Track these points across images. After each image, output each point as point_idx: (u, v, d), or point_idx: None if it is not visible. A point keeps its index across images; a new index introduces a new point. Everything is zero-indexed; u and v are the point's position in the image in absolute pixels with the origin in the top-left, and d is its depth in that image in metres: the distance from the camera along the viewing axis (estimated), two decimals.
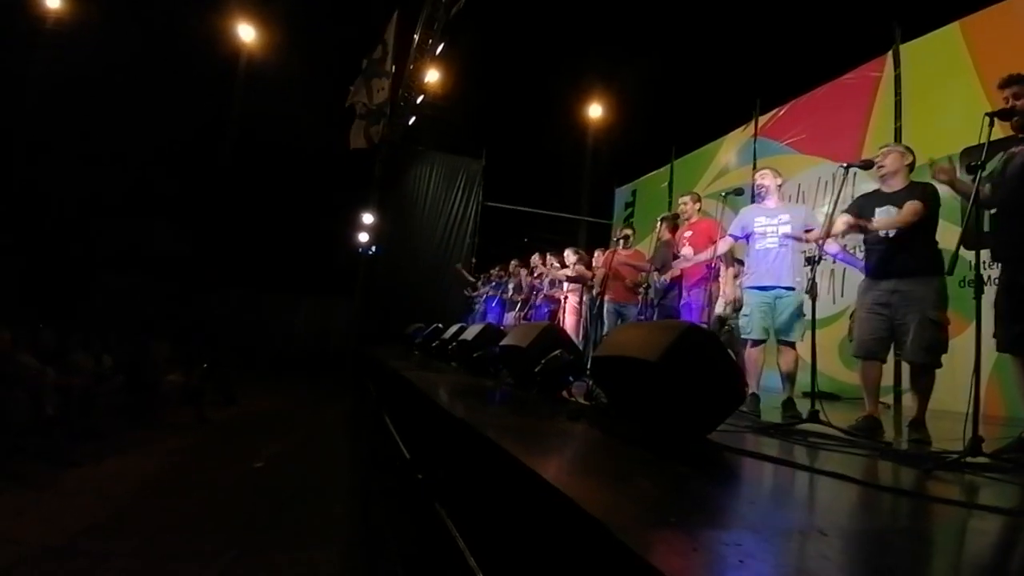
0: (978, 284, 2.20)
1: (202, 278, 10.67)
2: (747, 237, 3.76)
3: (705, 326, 4.21)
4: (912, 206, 2.74)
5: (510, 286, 8.22)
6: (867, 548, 1.09)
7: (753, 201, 4.16)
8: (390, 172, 10.58)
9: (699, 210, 4.79)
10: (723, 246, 3.98)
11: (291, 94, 11.09)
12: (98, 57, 9.74)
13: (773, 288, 3.55)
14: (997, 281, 2.47)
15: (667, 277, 4.74)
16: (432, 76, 9.41)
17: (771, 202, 3.75)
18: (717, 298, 4.63)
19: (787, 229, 3.57)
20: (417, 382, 3.28)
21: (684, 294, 4.67)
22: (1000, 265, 2.48)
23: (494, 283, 8.86)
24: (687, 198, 4.85)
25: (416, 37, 8.64)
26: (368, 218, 10.89)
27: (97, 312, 9.15)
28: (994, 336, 2.40)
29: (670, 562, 0.87)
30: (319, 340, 11.08)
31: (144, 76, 10.21)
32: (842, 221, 3.04)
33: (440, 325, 6.94)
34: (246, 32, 10.61)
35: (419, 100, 9.73)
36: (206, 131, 11.19)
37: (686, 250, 4.58)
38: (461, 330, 5.70)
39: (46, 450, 4.32)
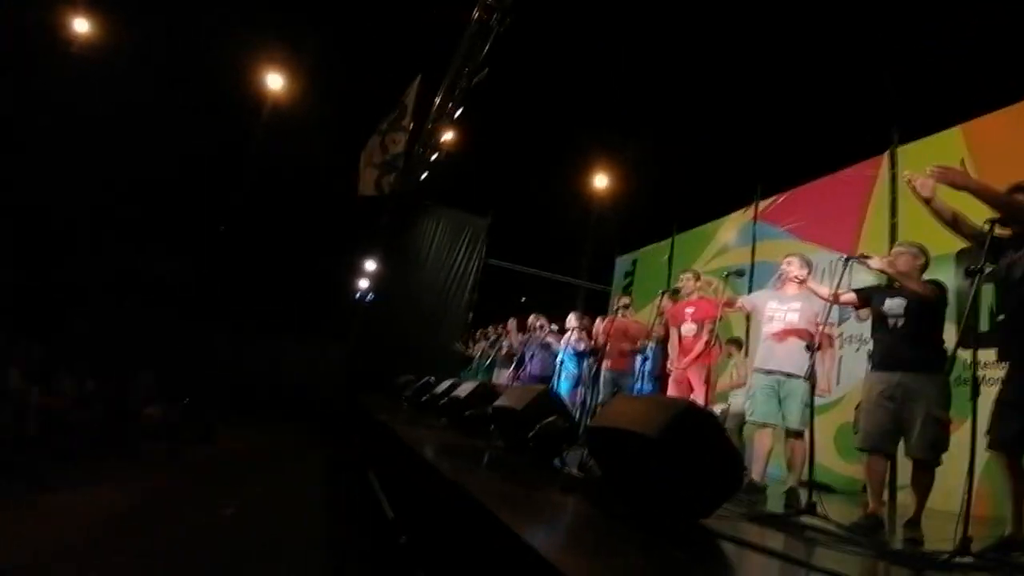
0: (974, 384, 2.22)
1: (197, 310, 10.61)
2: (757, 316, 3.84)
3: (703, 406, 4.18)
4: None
5: (505, 344, 8.19)
6: None
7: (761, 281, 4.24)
8: (396, 222, 10.78)
9: (699, 288, 4.87)
10: (747, 303, 4.08)
11: (309, 140, 11.49)
12: (122, 83, 10.11)
13: (777, 373, 3.56)
14: (1001, 380, 2.43)
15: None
16: (448, 136, 9.80)
17: (789, 289, 3.78)
18: (716, 378, 4.64)
19: (795, 317, 3.60)
20: (405, 437, 3.21)
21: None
22: (1008, 365, 2.44)
23: (491, 340, 8.83)
24: (689, 275, 4.93)
25: (437, 100, 9.07)
26: (370, 265, 10.99)
27: (87, 335, 9.02)
28: (987, 434, 2.36)
29: None
30: (308, 383, 10.86)
31: (169, 108, 10.59)
32: (847, 298, 3.14)
33: (432, 379, 6.85)
34: (274, 80, 11.10)
35: (433, 157, 10.07)
36: (222, 168, 11.49)
37: (688, 325, 4.62)
38: (453, 386, 5.62)
39: (25, 470, 4.18)
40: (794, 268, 3.71)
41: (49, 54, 10.24)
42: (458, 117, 9.11)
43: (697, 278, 4.91)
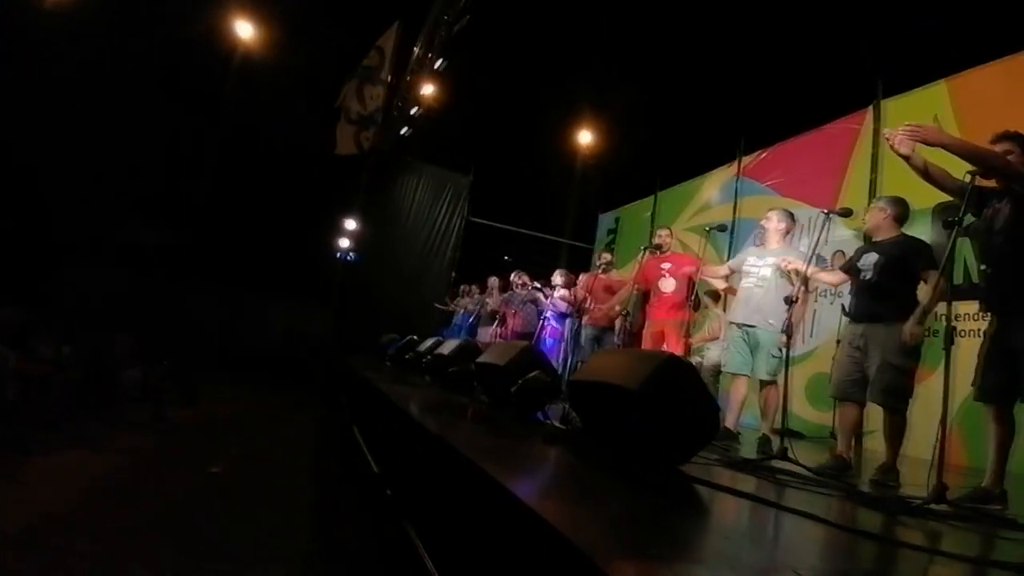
0: (948, 336, 2.27)
1: (177, 273, 10.39)
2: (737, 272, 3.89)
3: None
4: (838, 276, 2.95)
5: (488, 302, 8.21)
6: None
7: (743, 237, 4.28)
8: (377, 180, 10.52)
9: (675, 244, 4.92)
10: (720, 271, 4.13)
11: (284, 94, 11.02)
12: (89, 44, 9.53)
13: (752, 326, 3.64)
14: (985, 332, 2.48)
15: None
16: (428, 89, 9.46)
17: (771, 244, 3.83)
18: (692, 331, 4.72)
19: (768, 272, 3.66)
20: (391, 395, 3.23)
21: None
22: (990, 316, 2.49)
23: (474, 298, 8.84)
24: (666, 231, 4.98)
25: (416, 50, 8.71)
26: (351, 224, 10.76)
27: (64, 298, 8.80)
28: (973, 385, 2.42)
29: None
30: (292, 344, 10.83)
31: (136, 66, 10.03)
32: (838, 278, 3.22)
33: (415, 337, 6.86)
34: (244, 29, 10.52)
35: (413, 112, 9.75)
36: (195, 125, 11.00)
37: (666, 281, 4.66)
38: (437, 344, 5.64)
39: (7, 436, 4.12)
40: (771, 223, 3.77)
41: (13, 10, 9.54)
42: (439, 70, 8.79)
43: (671, 235, 4.96)
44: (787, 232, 3.79)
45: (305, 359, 10.41)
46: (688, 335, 4.62)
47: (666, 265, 4.71)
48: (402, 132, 10.26)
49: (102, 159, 9.94)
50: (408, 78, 9.31)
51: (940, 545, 1.59)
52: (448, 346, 5.17)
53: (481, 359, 4.19)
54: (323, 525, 3.63)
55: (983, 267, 2.51)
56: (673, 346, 4.39)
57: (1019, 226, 2.32)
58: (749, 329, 3.65)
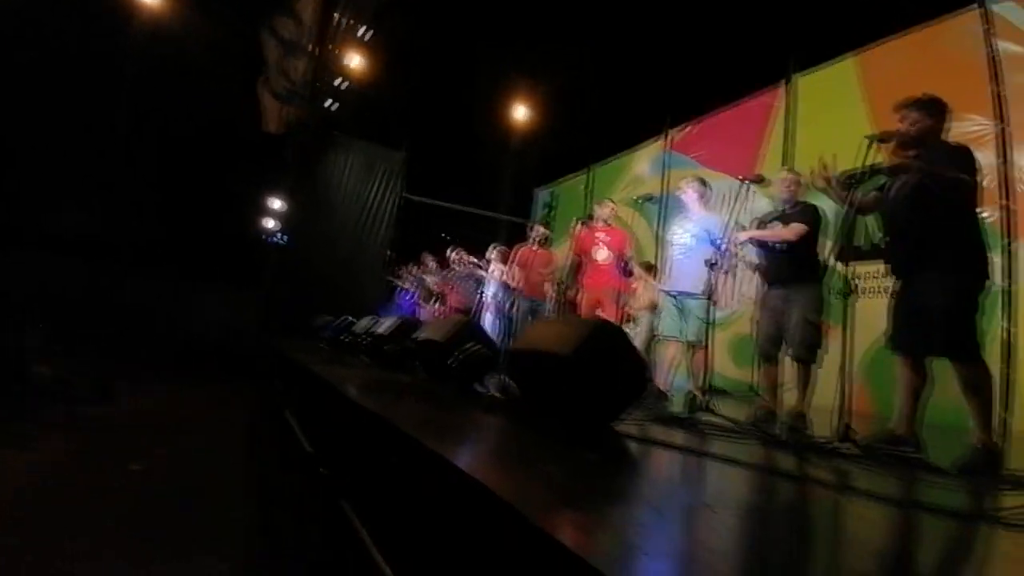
0: (847, 292, 2.48)
1: (88, 261, 9.50)
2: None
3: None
4: (797, 228, 3.06)
5: (426, 279, 8.12)
6: (749, 520, 1.20)
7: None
8: (303, 157, 9.98)
9: (616, 217, 5.01)
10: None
11: (199, 66, 10.16)
12: None
13: (681, 293, 3.81)
14: (895, 293, 2.63)
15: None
16: (355, 61, 9.02)
17: (690, 213, 4.01)
18: (629, 300, 4.87)
19: (691, 239, 3.84)
20: (323, 375, 3.15)
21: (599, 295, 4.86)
22: (898, 280, 2.64)
23: (411, 277, 8.72)
24: (611, 205, 5.06)
25: (338, 16, 8.26)
26: (277, 204, 10.17)
27: None
28: (886, 335, 2.61)
29: (577, 538, 0.90)
30: (222, 333, 10.23)
31: (38, 44, 8.91)
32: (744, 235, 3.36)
33: (350, 318, 6.69)
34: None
35: (339, 84, 9.28)
36: (105, 102, 9.94)
37: (602, 252, 4.77)
38: (374, 323, 5.53)
39: None
40: (687, 192, 3.97)
41: None
42: (365, 39, 8.40)
43: (615, 209, 5.06)
44: (701, 197, 3.99)
45: (234, 346, 9.90)
46: (624, 304, 4.78)
47: (601, 235, 4.82)
48: (328, 106, 9.75)
49: (5, 143, 8.85)
50: (332, 48, 8.83)
51: (848, 482, 1.75)
52: (385, 325, 5.08)
53: (419, 336, 4.16)
54: (261, 511, 3.53)
55: (885, 236, 2.67)
56: (609, 314, 4.53)
57: (915, 198, 2.50)
58: (678, 296, 3.83)
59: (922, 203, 2.40)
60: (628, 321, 5.38)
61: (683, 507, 1.24)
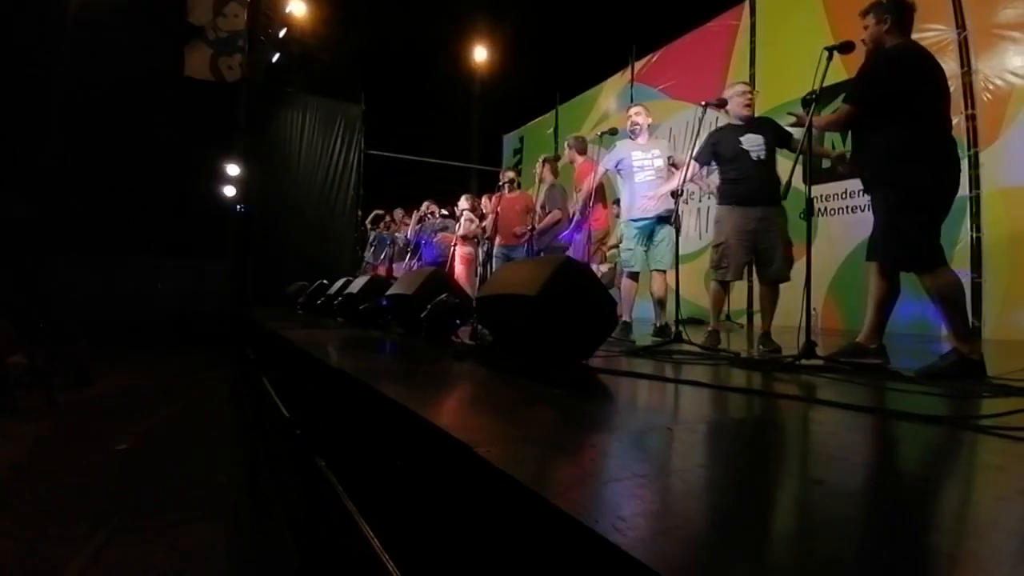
0: (808, 209, 2.46)
1: (45, 244, 9.09)
2: (620, 171, 3.93)
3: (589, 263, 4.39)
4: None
5: (398, 236, 7.98)
6: (706, 436, 1.21)
7: (628, 138, 4.32)
8: (255, 118, 9.47)
9: (582, 153, 4.88)
10: (595, 178, 4.17)
11: (131, 26, 9.41)
12: None
13: (651, 219, 3.78)
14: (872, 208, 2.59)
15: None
16: (298, 8, 8.44)
17: (643, 139, 3.93)
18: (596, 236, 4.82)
19: (660, 163, 3.78)
20: (294, 338, 3.09)
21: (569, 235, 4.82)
22: (873, 195, 2.59)
23: (384, 234, 8.55)
24: (570, 140, 4.94)
25: None
26: (233, 170, 9.71)
27: None
28: (868, 254, 2.52)
29: (529, 470, 0.89)
30: (188, 306, 10.00)
31: None
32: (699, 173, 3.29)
33: (324, 281, 6.58)
34: None
35: (282, 34, 8.70)
36: (29, 69, 9.18)
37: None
38: (347, 283, 5.45)
39: None
40: (641, 117, 3.89)
41: None
42: None
43: (577, 145, 4.93)
44: (649, 125, 3.95)
45: (205, 320, 9.72)
46: (599, 241, 4.72)
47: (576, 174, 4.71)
48: (273, 59, 9.17)
49: None
50: None
51: (814, 394, 1.79)
52: (357, 284, 5.01)
53: (391, 291, 4.11)
54: (247, 478, 3.57)
55: (852, 153, 2.62)
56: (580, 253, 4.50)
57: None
58: (647, 223, 3.78)
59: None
60: (605, 261, 5.36)
61: (642, 428, 1.25)
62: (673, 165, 3.77)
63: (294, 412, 2.70)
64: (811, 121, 2.45)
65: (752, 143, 3.12)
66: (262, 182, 9.72)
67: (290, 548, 2.20)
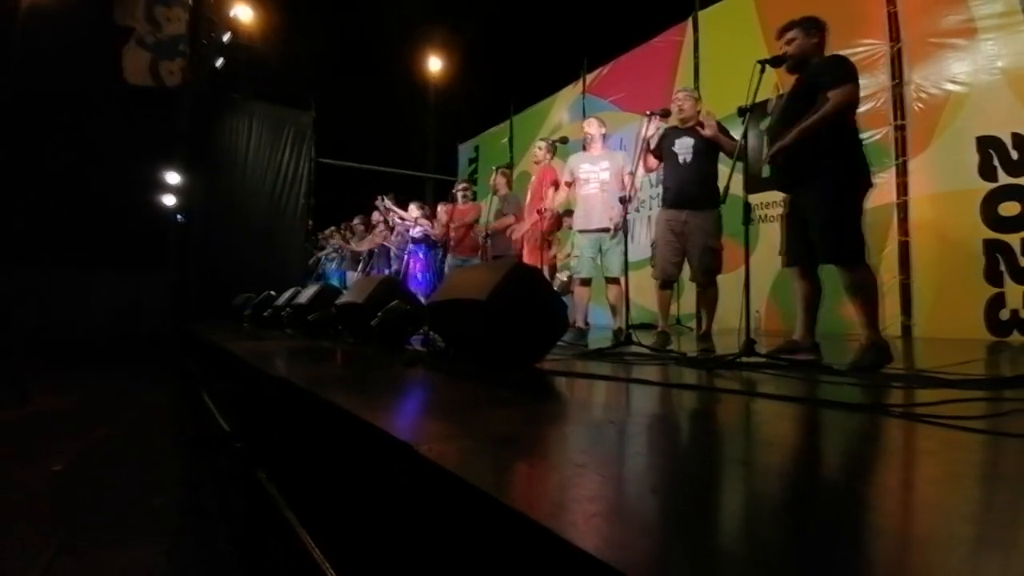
0: (746, 214, 2.57)
1: None
2: (574, 180, 4.00)
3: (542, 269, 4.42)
4: (735, 143, 3.01)
5: (350, 246, 7.82)
6: (645, 428, 1.23)
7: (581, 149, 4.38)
8: (198, 124, 9.09)
9: (550, 159, 4.84)
10: (560, 197, 4.21)
11: (62, 29, 8.88)
12: None
13: (597, 231, 3.84)
14: (782, 212, 2.80)
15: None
16: (244, 13, 8.20)
17: (595, 149, 4.01)
18: (552, 244, 4.87)
19: (607, 175, 3.86)
20: (237, 351, 2.97)
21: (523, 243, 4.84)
22: (784, 195, 2.77)
23: (332, 245, 8.37)
24: (541, 143, 4.84)
25: None
26: (174, 178, 9.26)
27: None
28: (780, 254, 2.74)
29: (460, 462, 0.88)
30: (126, 321, 9.43)
31: None
32: (652, 163, 3.37)
33: (271, 292, 6.37)
34: None
35: (227, 38, 8.42)
36: None
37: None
38: (295, 294, 5.29)
39: None
40: (594, 128, 3.97)
41: None
42: None
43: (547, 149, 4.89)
44: (603, 136, 4.02)
45: (145, 335, 9.20)
46: (547, 248, 4.75)
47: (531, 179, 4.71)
48: (216, 64, 8.85)
49: None
50: None
51: (753, 388, 1.86)
52: (306, 294, 4.87)
53: (340, 300, 4.02)
54: (189, 496, 3.39)
55: (770, 153, 2.74)
56: (532, 258, 4.52)
57: (795, 111, 2.59)
58: (598, 234, 3.85)
59: (798, 116, 2.50)
60: (557, 271, 5.41)
61: (587, 422, 1.26)
62: (632, 174, 3.84)
63: (236, 426, 2.59)
64: (746, 131, 2.56)
65: (681, 146, 3.22)
66: (205, 191, 9.33)
67: (232, 564, 2.09)
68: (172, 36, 7.64)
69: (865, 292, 2.39)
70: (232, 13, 8.08)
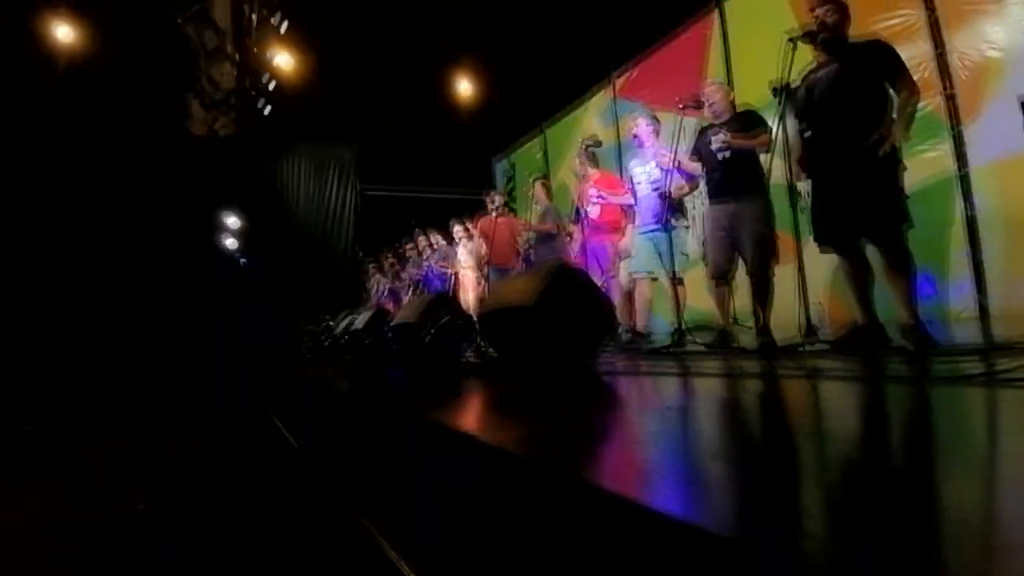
0: (792, 199, 2.50)
1: (34, 310, 9.16)
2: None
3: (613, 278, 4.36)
4: (764, 137, 2.94)
5: (403, 274, 8.07)
6: (698, 413, 1.22)
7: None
8: (251, 170, 9.67)
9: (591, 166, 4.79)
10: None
11: (124, 94, 9.70)
12: None
13: (653, 230, 3.79)
14: (809, 192, 2.64)
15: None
16: (283, 59, 8.69)
17: (646, 148, 3.95)
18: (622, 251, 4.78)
19: (658, 173, 3.78)
20: (301, 376, 3.12)
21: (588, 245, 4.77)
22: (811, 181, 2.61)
23: (381, 276, 8.66)
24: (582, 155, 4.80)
25: (251, 14, 7.94)
26: (233, 221, 9.86)
27: None
28: (814, 240, 2.59)
29: (526, 448, 0.91)
30: (193, 359, 9.99)
31: None
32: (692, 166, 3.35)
33: (328, 318, 6.64)
34: (64, 32, 8.87)
35: (270, 85, 8.94)
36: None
37: (594, 207, 4.57)
38: (351, 321, 5.49)
39: None
40: (641, 127, 3.91)
41: None
42: (288, 34, 8.11)
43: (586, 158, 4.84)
44: (655, 131, 3.94)
45: (211, 371, 9.70)
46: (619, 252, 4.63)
47: (593, 190, 4.59)
48: (263, 110, 9.39)
49: None
50: (254, 48, 8.49)
51: (816, 373, 1.79)
52: (361, 320, 5.05)
53: (393, 322, 4.13)
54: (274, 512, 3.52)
55: (806, 132, 2.60)
56: (606, 263, 4.48)
57: (837, 87, 2.49)
58: (658, 233, 3.77)
59: (862, 104, 2.39)
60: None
61: (640, 408, 1.26)
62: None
63: (301, 443, 2.71)
64: (783, 105, 2.50)
65: (718, 143, 3.13)
66: (262, 232, 9.88)
67: None
68: (225, 91, 8.21)
69: (903, 272, 2.26)
70: (274, 61, 8.57)
